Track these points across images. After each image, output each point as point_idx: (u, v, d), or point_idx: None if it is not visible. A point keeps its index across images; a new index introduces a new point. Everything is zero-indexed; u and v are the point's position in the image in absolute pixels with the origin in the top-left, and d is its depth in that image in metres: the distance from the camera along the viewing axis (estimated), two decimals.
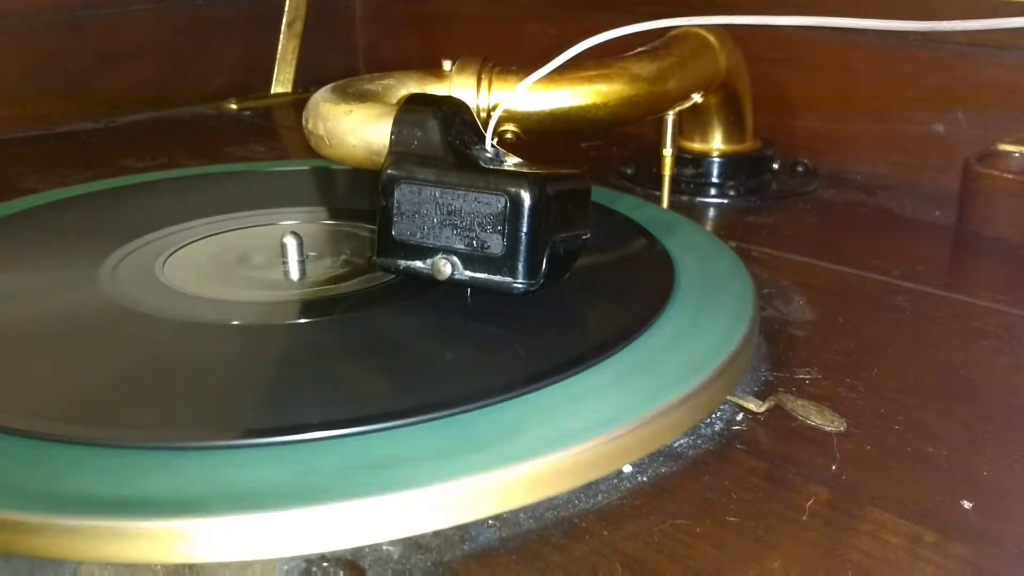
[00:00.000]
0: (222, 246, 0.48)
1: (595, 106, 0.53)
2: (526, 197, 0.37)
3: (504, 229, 0.37)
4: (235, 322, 0.39)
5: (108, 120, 0.84)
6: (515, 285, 0.37)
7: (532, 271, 0.37)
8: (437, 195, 0.38)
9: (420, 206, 0.39)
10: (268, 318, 0.40)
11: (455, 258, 0.38)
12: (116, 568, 0.27)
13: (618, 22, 0.42)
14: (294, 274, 0.45)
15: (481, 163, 0.39)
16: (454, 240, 0.38)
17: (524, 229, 0.37)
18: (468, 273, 0.38)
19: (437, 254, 0.38)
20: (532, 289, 0.38)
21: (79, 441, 0.30)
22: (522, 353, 0.37)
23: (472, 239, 0.38)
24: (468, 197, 0.38)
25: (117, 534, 0.27)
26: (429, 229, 0.39)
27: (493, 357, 0.37)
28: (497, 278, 0.38)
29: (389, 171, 0.39)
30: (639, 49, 0.56)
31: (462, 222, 0.38)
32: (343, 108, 0.49)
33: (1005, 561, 0.28)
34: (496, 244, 0.37)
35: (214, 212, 0.52)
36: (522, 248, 0.37)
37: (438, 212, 0.38)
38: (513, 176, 0.37)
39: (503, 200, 0.37)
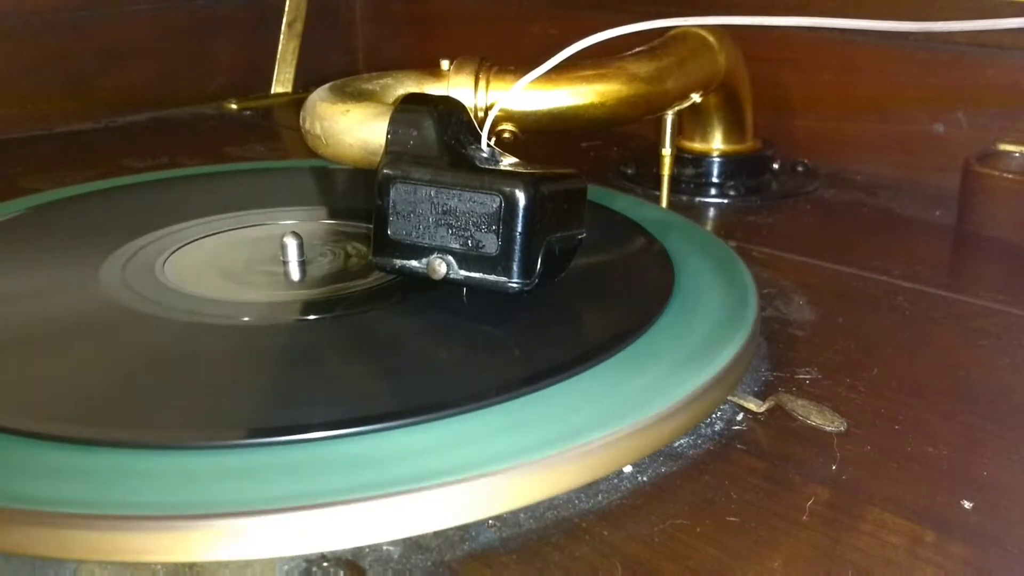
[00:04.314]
0: (222, 246, 0.48)
1: (593, 106, 0.53)
2: (521, 197, 0.37)
3: (499, 229, 0.37)
4: (235, 322, 0.39)
5: (108, 120, 0.84)
6: (510, 284, 0.38)
7: (527, 271, 0.37)
8: (432, 195, 0.38)
9: (415, 206, 0.39)
10: (268, 318, 0.40)
11: (450, 257, 0.38)
12: (116, 568, 0.27)
13: (618, 22, 0.42)
14: (294, 274, 0.45)
15: (477, 163, 0.39)
16: (449, 239, 0.38)
17: (519, 229, 0.37)
18: (463, 272, 0.38)
19: (432, 253, 0.39)
20: (527, 288, 0.38)
21: (79, 441, 0.30)
22: (522, 353, 0.37)
23: (467, 239, 0.38)
24: (463, 197, 0.38)
25: (117, 534, 0.27)
26: (424, 228, 0.39)
27: (493, 357, 0.37)
28: (492, 277, 0.38)
29: (385, 171, 0.39)
30: (637, 49, 0.56)
31: (457, 222, 0.38)
32: (340, 107, 0.49)
33: (1005, 561, 0.28)
34: (491, 244, 0.37)
35: (214, 212, 0.52)
36: (517, 248, 0.37)
37: (433, 212, 0.38)
38: (508, 176, 0.37)
39: (498, 200, 0.37)
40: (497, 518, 0.29)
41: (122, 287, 0.42)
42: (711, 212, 0.62)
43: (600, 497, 0.31)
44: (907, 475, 0.32)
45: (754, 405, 0.36)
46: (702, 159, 0.65)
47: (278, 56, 0.92)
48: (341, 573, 0.27)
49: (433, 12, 0.98)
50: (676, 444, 0.34)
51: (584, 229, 0.41)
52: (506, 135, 0.53)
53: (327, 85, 0.52)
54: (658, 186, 0.60)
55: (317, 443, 0.30)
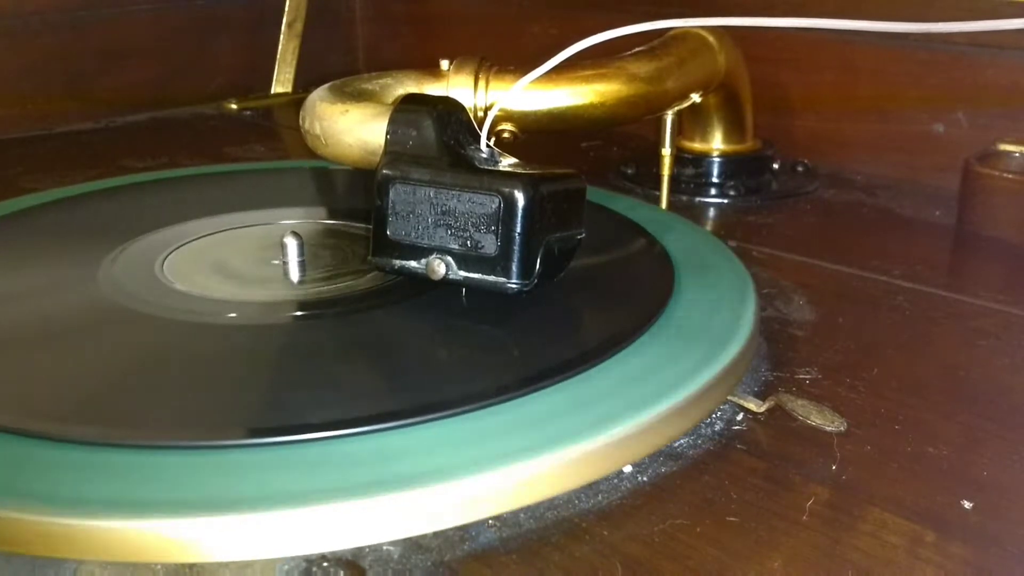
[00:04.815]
0: (222, 246, 0.48)
1: (593, 106, 0.53)
2: (520, 197, 0.37)
3: (498, 229, 0.37)
4: (235, 321, 0.39)
5: (108, 120, 0.84)
6: (509, 285, 0.38)
7: (526, 271, 0.38)
8: (431, 195, 0.38)
9: (415, 206, 0.39)
10: (268, 318, 0.40)
11: (449, 258, 0.38)
12: (116, 568, 0.27)
13: (618, 22, 0.42)
14: (294, 274, 0.45)
15: (476, 163, 0.39)
16: (448, 240, 0.38)
17: (518, 229, 0.37)
18: (462, 273, 0.38)
19: (431, 254, 0.39)
20: (526, 289, 0.38)
21: (79, 441, 0.30)
22: (521, 353, 0.37)
23: (466, 239, 0.38)
24: (462, 197, 0.38)
25: (117, 534, 0.27)
26: (423, 229, 0.39)
27: (493, 357, 0.37)
28: (491, 278, 0.38)
29: (384, 171, 0.39)
30: (637, 49, 0.56)
31: (456, 222, 0.38)
32: (339, 107, 0.49)
33: (1005, 561, 0.28)
34: (490, 244, 0.37)
35: (214, 212, 0.52)
36: (516, 248, 0.37)
37: (432, 212, 0.38)
38: (507, 176, 0.37)
39: (497, 200, 0.37)
40: (497, 518, 0.29)
41: (121, 287, 0.42)
42: (711, 212, 0.62)
43: (600, 497, 0.31)
44: (907, 475, 0.32)
45: (754, 405, 0.36)
46: (702, 159, 0.65)
47: (278, 56, 0.92)
48: (341, 573, 0.27)
49: (433, 12, 0.98)
50: (676, 444, 0.34)
51: (584, 229, 0.41)
52: (506, 135, 0.53)
53: (327, 85, 0.52)
54: (658, 186, 0.60)
55: (316, 443, 0.30)
